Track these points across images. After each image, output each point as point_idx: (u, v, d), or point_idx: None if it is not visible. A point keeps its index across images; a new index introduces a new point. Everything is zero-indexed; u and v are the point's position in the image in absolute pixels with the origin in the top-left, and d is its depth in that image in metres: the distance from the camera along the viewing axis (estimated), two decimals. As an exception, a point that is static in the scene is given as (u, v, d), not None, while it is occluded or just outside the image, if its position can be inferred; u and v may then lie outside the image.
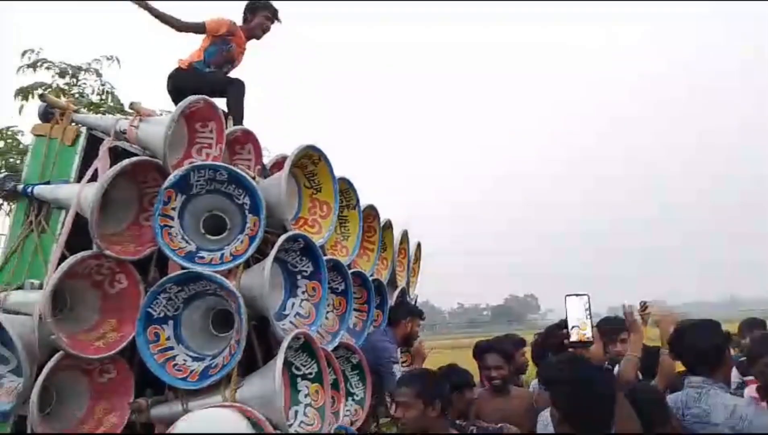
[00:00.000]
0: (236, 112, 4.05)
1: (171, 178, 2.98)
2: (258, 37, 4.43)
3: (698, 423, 2.42)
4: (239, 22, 4.32)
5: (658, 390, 2.79)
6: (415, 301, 5.50)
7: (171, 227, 3.00)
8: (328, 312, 3.62)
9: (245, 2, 4.39)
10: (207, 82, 4.01)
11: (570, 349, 2.52)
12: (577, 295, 2.56)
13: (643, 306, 3.42)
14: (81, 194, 2.91)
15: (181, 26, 4.07)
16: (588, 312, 2.51)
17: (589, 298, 2.54)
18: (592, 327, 2.46)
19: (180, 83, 3.99)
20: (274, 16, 4.41)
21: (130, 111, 3.47)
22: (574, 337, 2.47)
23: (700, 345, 2.59)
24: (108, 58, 6.99)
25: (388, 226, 4.76)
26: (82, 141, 3.20)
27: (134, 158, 3.02)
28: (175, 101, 4.08)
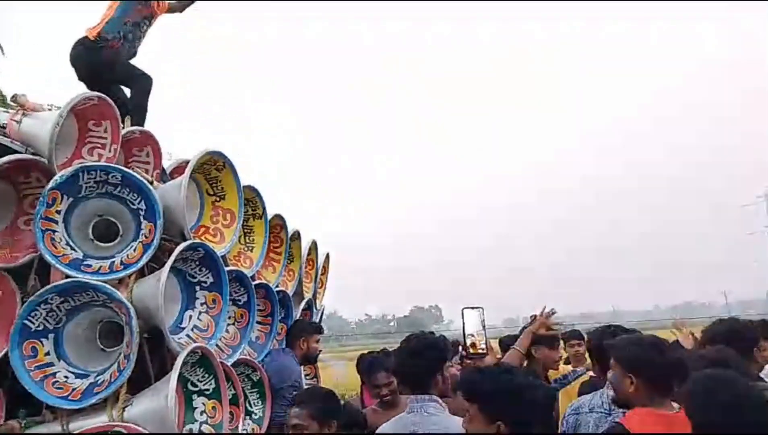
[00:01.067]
0: (138, 110, 3.83)
1: (56, 178, 2.74)
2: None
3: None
4: None
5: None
6: (322, 313, 5.43)
7: (55, 232, 2.76)
8: (228, 325, 3.47)
9: None
10: (111, 65, 3.73)
11: (467, 361, 2.58)
12: (473, 307, 2.64)
13: (532, 318, 3.46)
14: (-51, 193, 2.62)
15: None
16: (483, 323, 2.59)
17: (483, 311, 2.63)
18: (487, 339, 2.54)
19: (82, 59, 3.69)
20: None
21: (12, 104, 3.18)
22: (471, 350, 2.54)
23: None
24: (-12, 46, 6.40)
25: (297, 236, 4.67)
26: (-47, 134, 2.89)
27: (13, 156, 2.76)
28: (80, 77, 3.79)
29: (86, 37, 3.83)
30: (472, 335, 2.61)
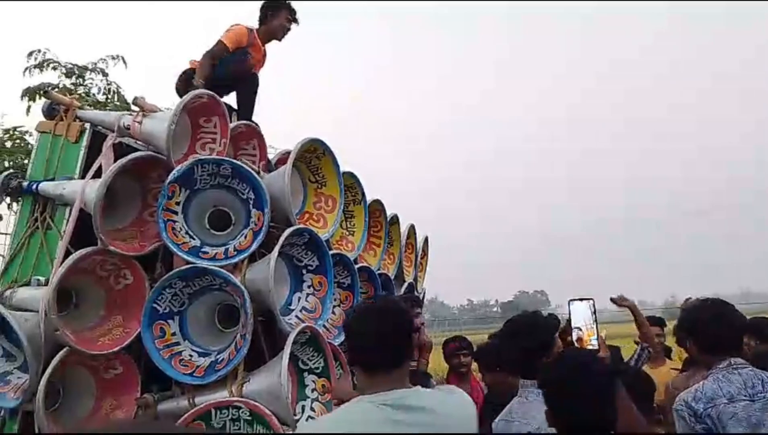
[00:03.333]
0: (245, 107, 4.02)
1: (174, 172, 2.96)
2: (279, 39, 4.30)
3: None
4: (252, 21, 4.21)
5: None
6: (423, 296, 5.47)
7: (175, 222, 2.98)
8: (334, 307, 3.59)
9: (261, 2, 4.26)
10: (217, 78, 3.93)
11: None
12: (581, 299, 2.44)
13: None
14: (85, 191, 2.90)
15: (211, 62, 3.91)
16: (594, 317, 2.36)
17: (593, 303, 2.40)
18: (598, 333, 2.32)
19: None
20: (293, 17, 4.28)
21: (134, 107, 3.46)
22: (578, 344, 2.34)
23: (735, 323, 2.50)
24: (113, 58, 7.02)
25: (395, 220, 4.74)
26: (86, 137, 3.20)
27: (137, 154, 3.02)
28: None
29: (191, 68, 4.04)
30: (580, 329, 2.42)
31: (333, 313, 3.57)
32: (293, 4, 4.28)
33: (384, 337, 1.70)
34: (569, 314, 2.41)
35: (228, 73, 3.93)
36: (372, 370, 1.71)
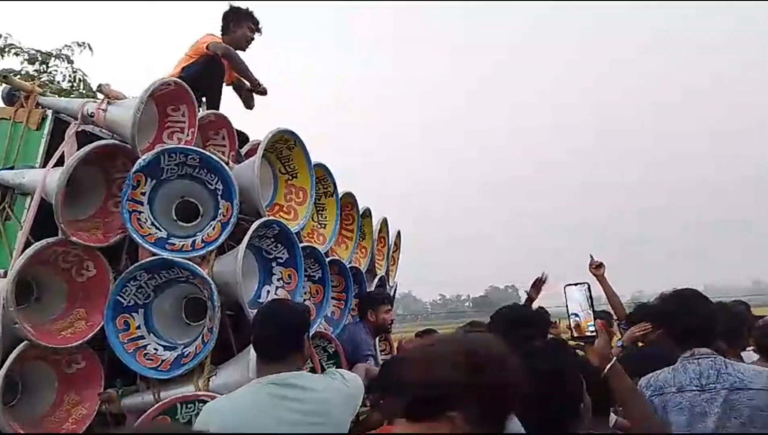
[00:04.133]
0: (213, 99, 3.95)
1: (140, 161, 2.89)
2: (243, 49, 4.21)
3: (736, 390, 2.31)
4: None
5: None
6: (395, 290, 5.47)
7: (140, 213, 2.91)
8: (304, 300, 3.56)
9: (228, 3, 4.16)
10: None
11: (572, 343, 2.38)
12: (576, 283, 2.37)
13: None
14: (46, 180, 2.81)
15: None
16: (590, 302, 2.31)
17: (589, 287, 2.34)
18: (595, 319, 2.27)
19: None
20: (256, 27, 4.22)
21: (99, 94, 3.36)
22: (575, 332, 2.28)
23: (705, 314, 2.52)
24: (79, 45, 6.83)
25: (367, 214, 4.71)
26: (48, 125, 3.09)
27: (101, 142, 2.93)
28: None
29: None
30: (576, 315, 2.39)
31: (303, 306, 3.54)
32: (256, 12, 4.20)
33: (274, 333, 2.11)
34: (565, 299, 2.35)
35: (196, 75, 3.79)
36: (264, 358, 2.14)
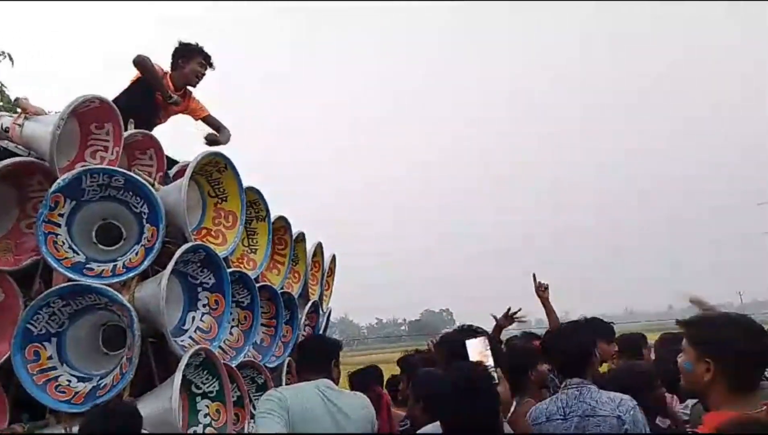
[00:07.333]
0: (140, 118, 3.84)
1: (59, 181, 2.73)
2: (193, 85, 4.27)
3: (586, 417, 2.50)
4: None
5: None
6: (328, 315, 5.40)
7: (57, 235, 2.75)
8: (232, 327, 3.46)
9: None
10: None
11: None
12: (475, 335, 2.58)
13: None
14: (-48, 197, 2.62)
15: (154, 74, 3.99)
16: (490, 352, 2.44)
17: (486, 339, 2.52)
18: (495, 368, 2.38)
19: None
20: (207, 62, 4.25)
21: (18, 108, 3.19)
22: None
23: (574, 347, 2.71)
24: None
25: (301, 238, 4.65)
26: (-44, 139, 2.90)
27: (15, 159, 2.77)
28: None
29: None
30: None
31: (230, 333, 3.43)
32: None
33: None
34: (467, 351, 2.48)
35: (132, 101, 3.77)
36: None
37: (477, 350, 2.48)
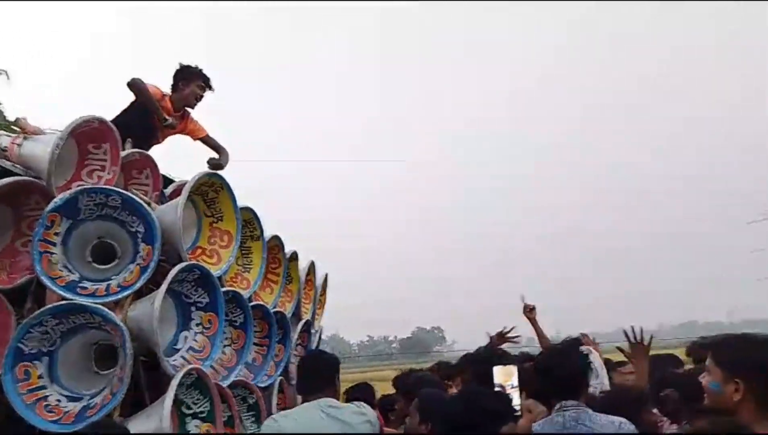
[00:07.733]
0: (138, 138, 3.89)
1: (56, 200, 2.76)
2: (192, 106, 4.35)
3: None
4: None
5: None
6: (320, 334, 5.40)
7: (52, 254, 2.76)
8: (225, 346, 3.46)
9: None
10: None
11: None
12: (503, 364, 2.58)
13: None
14: (-52, 215, 2.63)
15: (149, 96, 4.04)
16: (515, 381, 2.49)
17: (517, 369, 2.54)
18: (520, 398, 2.43)
19: None
20: (206, 84, 4.34)
21: (16, 128, 3.22)
22: None
23: (568, 369, 2.72)
24: (-4, 71, 6.52)
25: (294, 257, 4.67)
26: (-47, 157, 2.91)
27: (12, 178, 2.79)
28: None
29: None
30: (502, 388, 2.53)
31: (223, 352, 3.44)
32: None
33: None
34: (492, 375, 2.54)
35: (130, 122, 3.82)
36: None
37: (503, 377, 2.48)
